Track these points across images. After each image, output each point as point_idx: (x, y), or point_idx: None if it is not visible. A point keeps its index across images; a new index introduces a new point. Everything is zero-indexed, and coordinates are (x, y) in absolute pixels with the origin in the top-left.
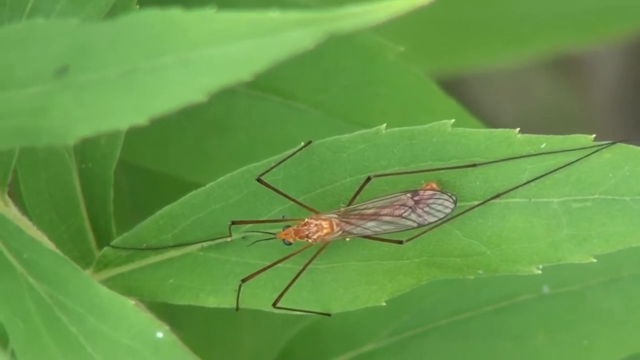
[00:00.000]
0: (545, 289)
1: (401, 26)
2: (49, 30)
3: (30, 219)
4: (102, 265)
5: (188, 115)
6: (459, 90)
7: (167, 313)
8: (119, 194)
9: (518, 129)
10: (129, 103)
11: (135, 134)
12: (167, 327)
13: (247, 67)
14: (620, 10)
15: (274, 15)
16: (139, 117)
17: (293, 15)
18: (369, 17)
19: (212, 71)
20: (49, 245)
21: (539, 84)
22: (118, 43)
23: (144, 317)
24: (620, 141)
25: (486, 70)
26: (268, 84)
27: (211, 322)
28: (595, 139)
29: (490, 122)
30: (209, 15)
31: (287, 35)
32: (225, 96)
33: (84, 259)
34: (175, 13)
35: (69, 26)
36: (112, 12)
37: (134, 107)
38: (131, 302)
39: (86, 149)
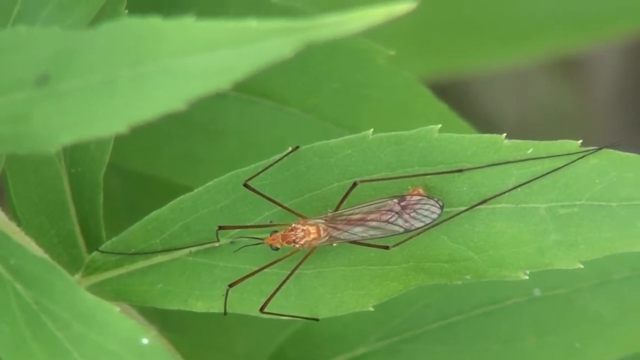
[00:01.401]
0: (536, 292)
1: (400, 26)
2: (30, 38)
3: (20, 224)
4: (91, 269)
5: (179, 119)
6: (460, 90)
7: (160, 316)
8: (112, 197)
9: (505, 134)
10: (109, 111)
11: (126, 138)
12: (153, 333)
13: (227, 76)
14: (620, 10)
15: (253, 24)
16: (119, 126)
17: (271, 24)
18: (345, 27)
19: (191, 80)
20: (37, 251)
21: (540, 84)
22: (99, 51)
23: (129, 323)
24: (607, 146)
25: (487, 71)
26: (259, 88)
27: (204, 325)
28: (595, 139)
29: (491, 122)
30: (188, 24)
31: (266, 44)
32: (216, 100)
33: (73, 264)
34: (155, 21)
35: (50, 34)
36: (100, 18)
37: (114, 116)
38: (117, 308)
39: (75, 153)
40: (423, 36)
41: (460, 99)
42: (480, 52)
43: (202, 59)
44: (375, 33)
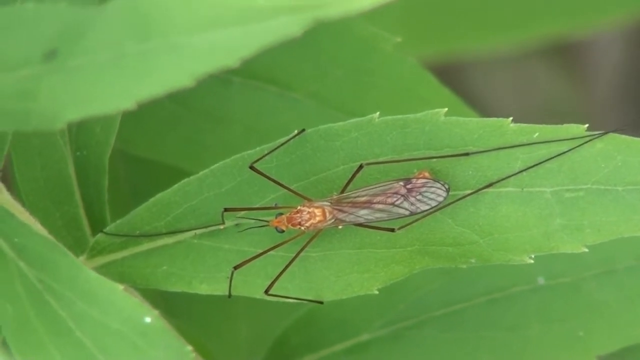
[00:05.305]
0: (541, 280)
1: (400, 9)
2: (38, 13)
3: (24, 205)
4: (96, 252)
5: (184, 105)
6: (460, 82)
7: (164, 301)
8: (117, 183)
9: (511, 118)
10: (116, 87)
11: (132, 124)
12: (156, 312)
13: (234, 53)
14: None
15: (260, 2)
16: (127, 102)
17: (279, 2)
18: (354, 6)
19: (199, 57)
20: (41, 230)
21: (541, 77)
22: (107, 27)
23: (132, 302)
24: (613, 131)
25: (486, 58)
26: (264, 74)
27: (209, 311)
28: (595, 129)
29: (491, 115)
30: (196, 1)
31: (274, 22)
32: (221, 86)
33: (78, 246)
34: None
35: (58, 10)
36: None
37: (122, 92)
38: (120, 287)
39: (81, 136)
40: (420, 18)
41: (461, 92)
42: (478, 35)
43: (209, 37)
44: (374, 17)
